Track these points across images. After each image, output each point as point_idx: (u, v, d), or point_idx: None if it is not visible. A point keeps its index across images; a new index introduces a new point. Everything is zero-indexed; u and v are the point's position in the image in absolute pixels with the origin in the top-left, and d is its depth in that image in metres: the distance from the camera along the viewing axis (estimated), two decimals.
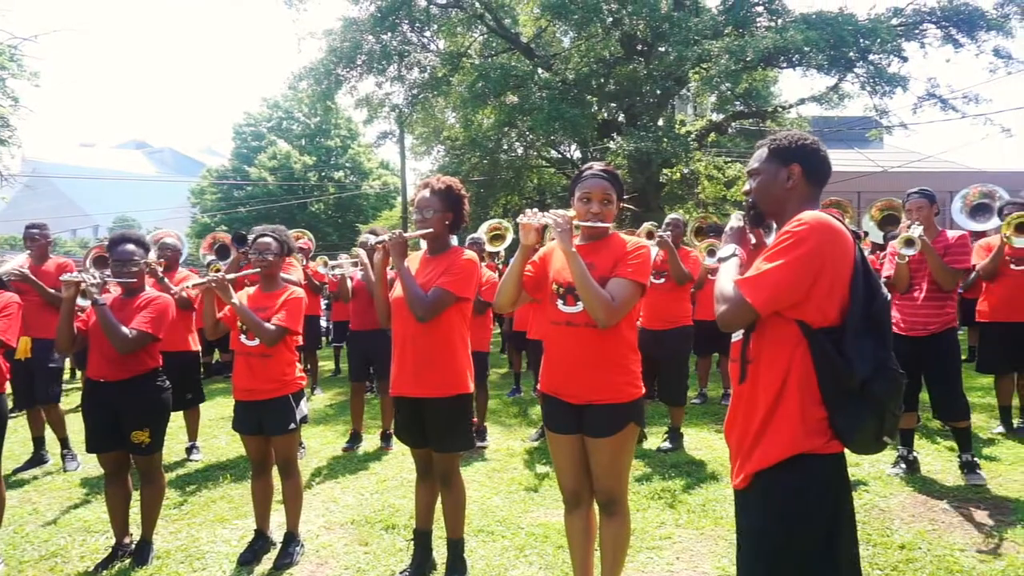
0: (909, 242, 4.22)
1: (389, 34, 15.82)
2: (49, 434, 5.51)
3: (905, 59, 13.33)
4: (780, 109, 17.08)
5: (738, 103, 17.97)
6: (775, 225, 2.04)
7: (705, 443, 5.53)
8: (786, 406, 1.81)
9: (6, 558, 3.63)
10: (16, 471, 5.22)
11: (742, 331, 1.94)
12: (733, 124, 17.78)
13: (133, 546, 3.62)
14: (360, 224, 28.46)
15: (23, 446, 5.66)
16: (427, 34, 17.20)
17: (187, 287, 3.51)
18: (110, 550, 3.60)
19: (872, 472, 4.54)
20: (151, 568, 3.48)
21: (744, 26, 13.97)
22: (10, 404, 4.09)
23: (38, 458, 5.42)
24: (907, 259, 4.26)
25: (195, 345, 5.46)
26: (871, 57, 13.25)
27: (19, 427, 6.05)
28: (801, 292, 1.78)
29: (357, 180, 34.16)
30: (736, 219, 2.15)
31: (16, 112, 12.45)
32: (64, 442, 5.42)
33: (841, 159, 21.42)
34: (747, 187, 2.06)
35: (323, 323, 11.66)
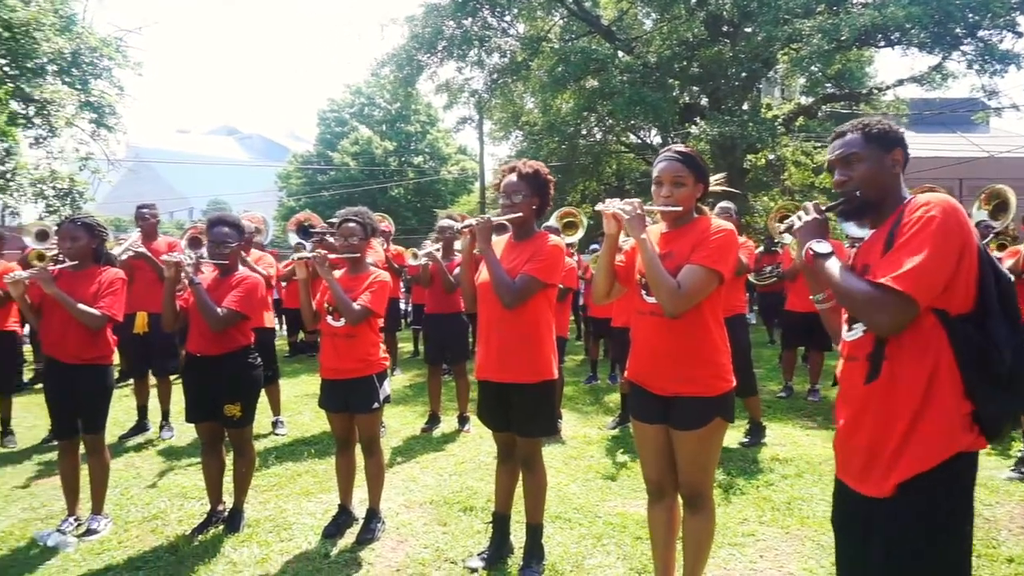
0: None
1: (470, 19, 15.87)
2: (151, 403, 5.85)
3: (1020, 34, 12.34)
4: (876, 91, 16.18)
5: (829, 85, 17.13)
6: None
7: (790, 439, 5.35)
8: (938, 402, 1.68)
9: (113, 517, 3.88)
10: (122, 437, 5.58)
11: (862, 327, 1.82)
12: (823, 107, 16.98)
13: (226, 513, 3.81)
14: (438, 209, 28.84)
15: (127, 414, 6.02)
16: (507, 18, 17.16)
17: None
18: (205, 516, 3.80)
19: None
20: (242, 535, 3.65)
21: (839, 3, 13.25)
22: (115, 375, 4.34)
23: (141, 426, 5.77)
24: None
25: (270, 322, 5.65)
26: (980, 33, 12.32)
27: (123, 396, 6.45)
28: (948, 278, 1.67)
29: (436, 165, 34.60)
30: (815, 211, 1.98)
31: (121, 100, 13.18)
32: (165, 414, 5.75)
33: (942, 144, 20.18)
34: (842, 176, 1.91)
35: (402, 305, 11.92)
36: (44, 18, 10.73)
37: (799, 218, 1.99)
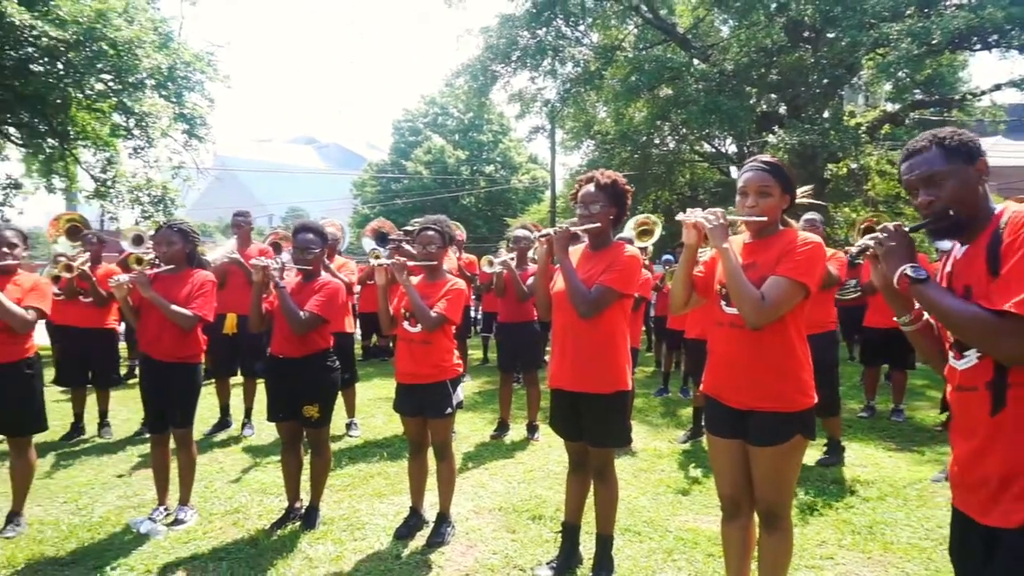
0: None
1: (544, 29, 16.00)
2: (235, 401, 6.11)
3: None
4: (969, 96, 15.34)
5: (918, 91, 16.38)
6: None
7: (871, 460, 5.13)
8: None
9: (199, 509, 4.08)
10: (207, 434, 5.84)
11: (976, 355, 1.69)
12: (911, 114, 16.23)
13: (303, 510, 3.94)
14: (509, 218, 29.05)
15: (210, 411, 6.29)
16: (581, 28, 17.20)
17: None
18: (284, 512, 3.95)
19: None
20: (318, 533, 3.77)
21: (930, 5, 12.66)
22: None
23: (223, 423, 6.05)
24: None
25: (350, 327, 5.82)
26: None
27: (207, 394, 6.74)
28: None
29: (507, 174, 34.92)
30: (898, 233, 1.83)
31: (211, 112, 13.87)
32: (248, 412, 6.01)
33: None
34: (927, 196, 1.77)
35: (472, 313, 12.06)
36: (145, 36, 11.43)
37: (878, 241, 1.84)
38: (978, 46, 12.91)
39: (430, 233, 3.70)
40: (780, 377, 2.44)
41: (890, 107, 16.68)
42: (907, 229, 1.84)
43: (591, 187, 3.02)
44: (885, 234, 1.84)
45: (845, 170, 14.26)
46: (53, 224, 6.74)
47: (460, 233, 8.40)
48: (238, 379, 6.28)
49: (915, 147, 1.82)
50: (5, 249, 3.72)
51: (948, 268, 1.83)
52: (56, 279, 5.49)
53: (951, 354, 1.80)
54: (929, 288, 1.72)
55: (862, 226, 6.57)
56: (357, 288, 9.04)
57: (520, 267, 5.71)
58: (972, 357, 1.71)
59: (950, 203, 1.76)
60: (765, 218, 2.47)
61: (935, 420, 6.32)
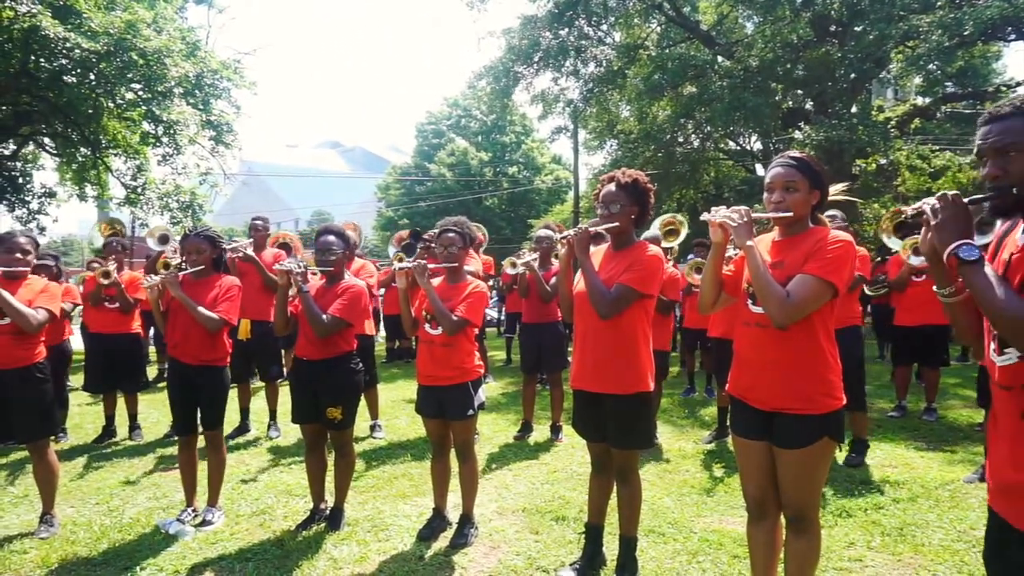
0: None
1: (566, 29, 15.96)
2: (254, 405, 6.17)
3: None
4: (1004, 88, 14.98)
5: (949, 84, 16.01)
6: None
7: (901, 460, 5.02)
8: None
9: (226, 510, 4.13)
10: (227, 437, 5.87)
11: (1017, 354, 1.58)
12: (942, 108, 15.89)
13: (328, 511, 3.97)
14: (532, 219, 29.06)
15: (236, 414, 6.34)
16: (603, 27, 17.13)
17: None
18: (309, 513, 3.98)
19: None
20: (343, 534, 3.79)
21: None
22: None
23: (243, 427, 6.11)
24: None
25: (370, 330, 5.82)
26: None
27: (231, 397, 6.82)
28: None
29: (530, 175, 34.93)
30: (955, 202, 1.66)
31: (238, 119, 14.07)
32: (272, 414, 6.07)
33: None
34: (995, 170, 1.60)
35: (493, 314, 12.08)
36: (173, 45, 11.63)
37: (933, 210, 1.66)
38: (1012, 36, 12.61)
39: (451, 235, 3.70)
40: (807, 378, 2.39)
41: (920, 101, 16.36)
42: (966, 201, 1.66)
43: (612, 186, 2.99)
44: (941, 203, 1.66)
45: (874, 166, 14.01)
46: (106, 227, 7.07)
47: (482, 236, 8.41)
48: (260, 384, 6.33)
49: (999, 112, 1.62)
50: (18, 255, 3.81)
51: (1005, 255, 1.66)
52: (91, 282, 5.64)
53: (992, 346, 1.67)
54: (979, 272, 1.55)
55: (891, 215, 6.38)
56: (381, 291, 9.06)
57: (543, 267, 5.70)
58: (1013, 355, 1.60)
59: (1018, 182, 1.58)
60: (790, 213, 2.42)
61: (968, 419, 6.18)
